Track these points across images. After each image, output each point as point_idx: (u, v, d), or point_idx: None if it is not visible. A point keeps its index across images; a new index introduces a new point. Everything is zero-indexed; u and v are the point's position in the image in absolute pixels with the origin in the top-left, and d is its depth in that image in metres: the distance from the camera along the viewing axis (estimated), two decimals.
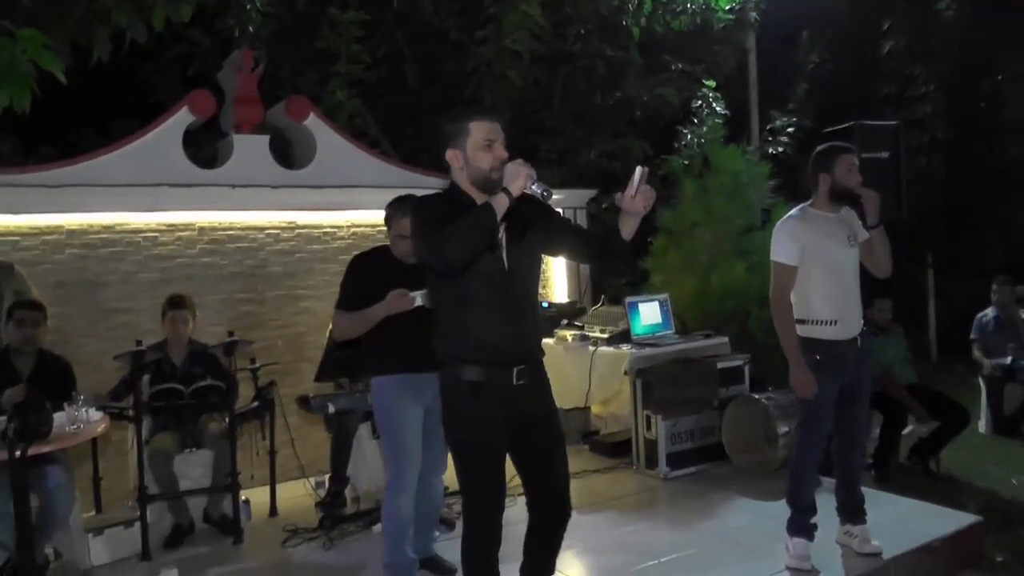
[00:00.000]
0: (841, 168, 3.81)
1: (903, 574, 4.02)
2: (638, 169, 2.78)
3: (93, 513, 4.79)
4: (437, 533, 4.24)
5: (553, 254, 3.33)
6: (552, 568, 3.19)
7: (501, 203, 2.74)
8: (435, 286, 3.03)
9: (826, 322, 3.81)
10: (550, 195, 2.79)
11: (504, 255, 2.95)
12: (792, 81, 10.61)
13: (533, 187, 2.76)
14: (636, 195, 2.76)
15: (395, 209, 3.80)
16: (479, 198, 2.87)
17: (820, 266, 3.81)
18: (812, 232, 3.82)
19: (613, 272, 7.86)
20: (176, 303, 4.97)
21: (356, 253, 4.02)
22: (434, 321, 3.06)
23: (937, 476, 5.72)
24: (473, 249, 2.76)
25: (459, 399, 2.95)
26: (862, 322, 3.95)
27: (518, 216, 2.92)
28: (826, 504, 4.09)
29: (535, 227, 3.02)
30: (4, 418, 3.65)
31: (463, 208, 2.81)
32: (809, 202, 3.95)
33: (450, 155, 2.93)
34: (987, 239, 10.35)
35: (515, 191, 2.74)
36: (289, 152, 6.77)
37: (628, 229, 2.88)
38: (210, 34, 8.10)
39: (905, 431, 5.78)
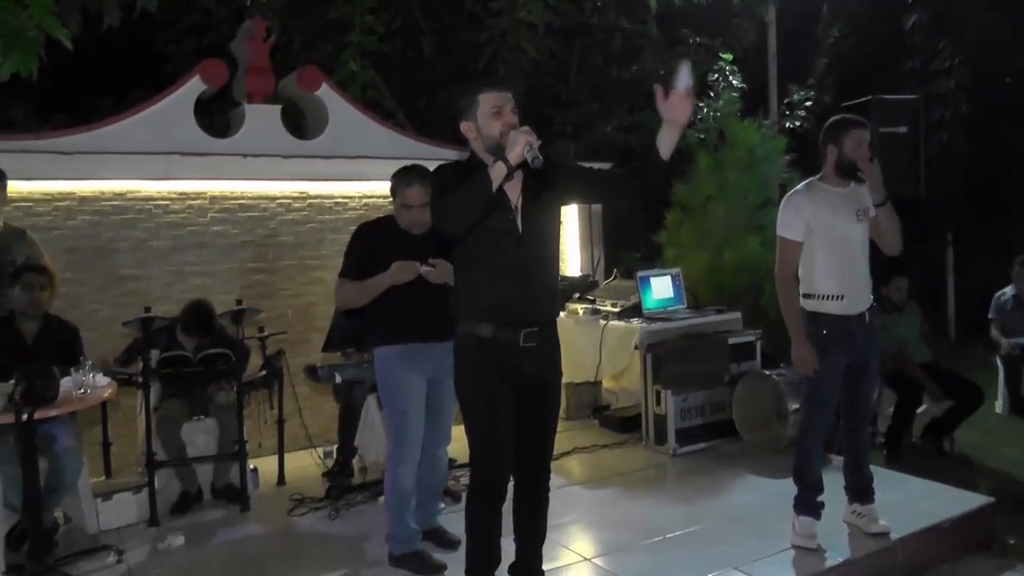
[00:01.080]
0: (850, 142, 3.73)
1: (911, 555, 3.98)
2: (684, 63, 2.75)
3: (103, 478, 4.84)
4: (442, 505, 4.24)
5: (571, 201, 3.35)
6: (543, 532, 3.27)
7: (499, 171, 2.80)
8: (454, 247, 3.11)
9: (832, 297, 3.76)
10: (539, 163, 2.78)
11: (519, 218, 3.00)
12: (812, 55, 10.45)
13: (526, 154, 2.76)
14: (683, 91, 2.75)
15: (400, 179, 3.77)
16: None
17: (825, 241, 3.75)
18: (817, 206, 3.77)
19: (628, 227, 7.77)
20: (206, 327, 4.80)
21: (361, 223, 4.00)
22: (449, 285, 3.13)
23: (951, 456, 5.66)
24: (467, 216, 2.85)
25: (467, 354, 3.06)
26: (871, 298, 3.89)
27: (536, 179, 3.00)
28: (835, 483, 4.05)
29: (553, 189, 3.08)
30: (12, 382, 3.66)
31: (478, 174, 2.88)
32: (818, 176, 3.89)
33: (464, 127, 3.03)
34: (1009, 217, 10.18)
35: (513, 159, 2.78)
36: (301, 122, 6.74)
37: (666, 144, 2.89)
38: (224, 4, 8.06)
39: (919, 410, 5.73)
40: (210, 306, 4.91)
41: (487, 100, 2.95)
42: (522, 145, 2.75)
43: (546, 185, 3.05)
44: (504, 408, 3.05)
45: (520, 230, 3.00)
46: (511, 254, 2.98)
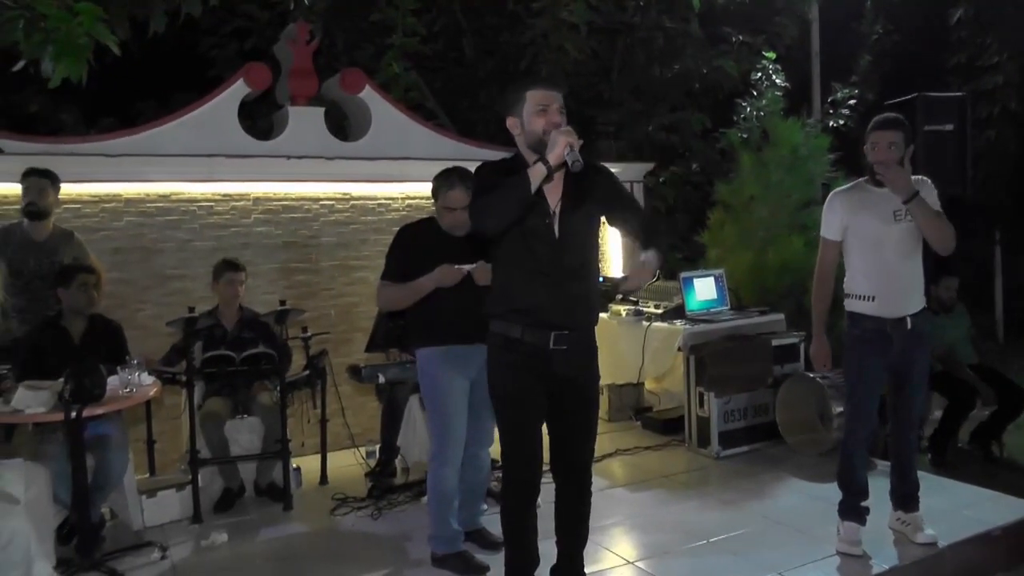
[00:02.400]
0: (868, 145, 3.75)
1: (960, 563, 3.90)
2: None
3: (147, 475, 4.91)
4: (485, 506, 4.23)
5: (610, 222, 3.34)
6: (584, 534, 3.26)
7: (537, 173, 2.79)
8: (492, 248, 3.12)
9: (864, 297, 3.78)
10: (579, 166, 2.77)
11: (556, 223, 2.99)
12: (856, 52, 10.31)
13: (566, 155, 2.75)
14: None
15: (442, 181, 3.78)
16: None
17: (858, 240, 3.79)
18: (852, 206, 3.79)
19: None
20: (233, 266, 5.04)
21: (403, 225, 4.01)
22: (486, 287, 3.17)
23: (1000, 462, 5.54)
24: (504, 216, 2.85)
25: (497, 353, 3.09)
26: (919, 303, 3.80)
27: (577, 184, 2.98)
28: (881, 488, 3.98)
29: (596, 200, 3.05)
30: (61, 381, 3.74)
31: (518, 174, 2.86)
32: (865, 176, 3.86)
33: (510, 123, 3.03)
34: None
35: (553, 160, 2.77)
36: (344, 124, 6.79)
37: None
38: (267, 8, 8.15)
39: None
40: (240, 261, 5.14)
41: (534, 97, 2.95)
42: (562, 146, 2.74)
43: (587, 192, 3.03)
44: (534, 408, 3.06)
45: (557, 234, 2.99)
46: (546, 257, 2.97)
